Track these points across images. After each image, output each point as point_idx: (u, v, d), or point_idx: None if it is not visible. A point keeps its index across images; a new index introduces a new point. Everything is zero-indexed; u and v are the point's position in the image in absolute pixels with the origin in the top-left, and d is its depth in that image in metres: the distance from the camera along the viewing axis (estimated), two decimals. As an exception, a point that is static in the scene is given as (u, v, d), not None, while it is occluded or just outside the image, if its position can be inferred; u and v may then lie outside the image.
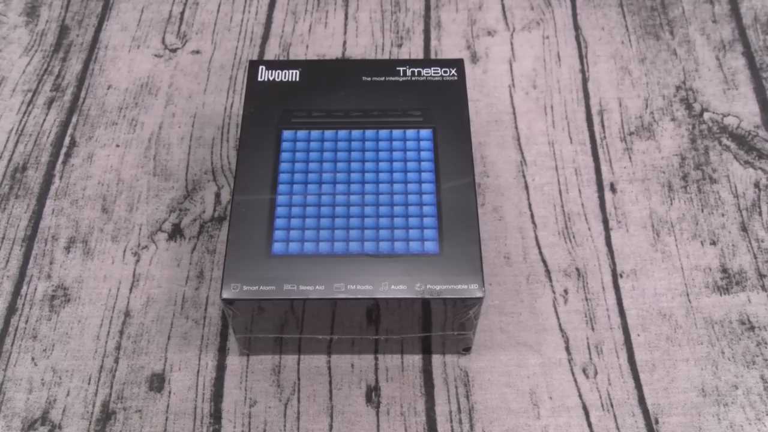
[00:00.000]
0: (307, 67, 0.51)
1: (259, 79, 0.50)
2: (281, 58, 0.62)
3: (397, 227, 0.45)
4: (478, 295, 0.42)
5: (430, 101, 0.49)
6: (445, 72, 0.51)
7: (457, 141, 0.48)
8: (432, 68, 0.51)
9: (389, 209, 0.45)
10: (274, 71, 0.51)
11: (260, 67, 0.51)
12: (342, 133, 0.48)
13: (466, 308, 0.43)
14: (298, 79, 0.50)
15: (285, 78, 0.51)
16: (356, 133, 0.48)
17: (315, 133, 0.48)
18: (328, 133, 0.48)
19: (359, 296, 0.42)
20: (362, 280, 0.43)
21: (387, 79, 0.50)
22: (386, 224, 0.45)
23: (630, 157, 0.56)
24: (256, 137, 0.48)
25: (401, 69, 0.51)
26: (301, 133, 0.48)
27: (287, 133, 0.48)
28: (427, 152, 0.48)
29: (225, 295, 0.42)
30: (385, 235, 0.44)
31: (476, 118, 0.58)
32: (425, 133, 0.48)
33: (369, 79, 0.50)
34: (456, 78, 0.50)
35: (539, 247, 0.52)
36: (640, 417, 0.46)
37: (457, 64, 0.51)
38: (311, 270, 0.43)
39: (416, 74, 0.51)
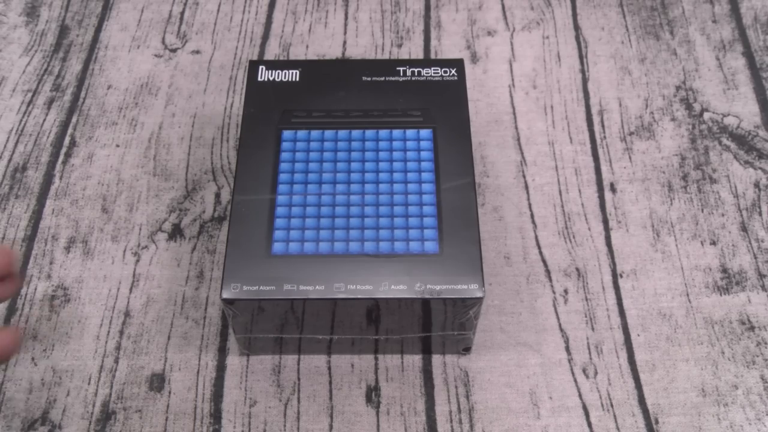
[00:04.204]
0: (307, 67, 0.51)
1: (259, 79, 0.50)
2: (281, 58, 0.62)
3: (397, 227, 0.44)
4: (478, 295, 0.42)
5: (430, 101, 0.49)
6: (445, 72, 0.51)
7: (457, 141, 0.48)
8: (432, 68, 0.51)
9: (389, 209, 0.45)
10: (274, 71, 0.51)
11: (260, 67, 0.51)
12: (342, 133, 0.48)
13: (466, 308, 0.43)
14: (298, 79, 0.50)
15: (285, 78, 0.51)
16: (356, 133, 0.48)
17: (315, 133, 0.48)
18: (328, 133, 0.48)
19: (359, 296, 0.42)
20: (362, 280, 0.43)
21: (387, 79, 0.50)
22: (386, 224, 0.45)
23: (630, 157, 0.56)
24: (256, 137, 0.48)
25: (401, 69, 0.51)
26: (301, 133, 0.48)
27: (287, 133, 0.48)
28: (427, 152, 0.47)
29: (225, 295, 0.42)
30: (385, 235, 0.44)
31: (476, 118, 0.58)
32: (425, 133, 0.48)
33: (369, 79, 0.50)
34: (456, 78, 0.50)
35: (539, 247, 0.52)
36: (640, 417, 0.46)
37: (457, 64, 0.51)
38: (311, 270, 0.43)
39: (416, 74, 0.51)
